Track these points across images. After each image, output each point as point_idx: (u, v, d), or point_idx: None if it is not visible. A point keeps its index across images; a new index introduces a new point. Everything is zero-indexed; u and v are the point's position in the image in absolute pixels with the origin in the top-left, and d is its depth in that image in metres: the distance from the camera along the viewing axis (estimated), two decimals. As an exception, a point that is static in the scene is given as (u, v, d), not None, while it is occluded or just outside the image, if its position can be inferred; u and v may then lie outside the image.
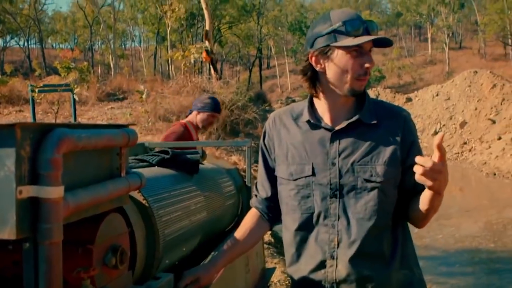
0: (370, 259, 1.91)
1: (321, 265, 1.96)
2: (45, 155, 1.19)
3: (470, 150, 20.44)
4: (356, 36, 1.85)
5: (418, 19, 71.10)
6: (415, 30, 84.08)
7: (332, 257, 1.93)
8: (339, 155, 1.93)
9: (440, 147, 1.63)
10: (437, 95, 24.74)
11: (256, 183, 2.26)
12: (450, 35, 65.99)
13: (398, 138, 1.91)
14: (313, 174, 1.96)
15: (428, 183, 1.66)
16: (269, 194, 2.15)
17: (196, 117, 4.54)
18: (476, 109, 22.03)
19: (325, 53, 1.90)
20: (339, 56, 1.89)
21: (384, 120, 1.94)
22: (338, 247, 1.92)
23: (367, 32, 1.86)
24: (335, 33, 1.87)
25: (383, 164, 1.88)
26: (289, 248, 2.08)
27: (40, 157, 1.19)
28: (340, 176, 1.92)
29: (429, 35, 70.94)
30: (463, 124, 21.91)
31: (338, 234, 1.92)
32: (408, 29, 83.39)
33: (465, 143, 21.04)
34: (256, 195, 2.24)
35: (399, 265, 1.94)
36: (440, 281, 6.12)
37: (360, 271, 1.90)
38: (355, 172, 1.91)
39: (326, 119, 2.00)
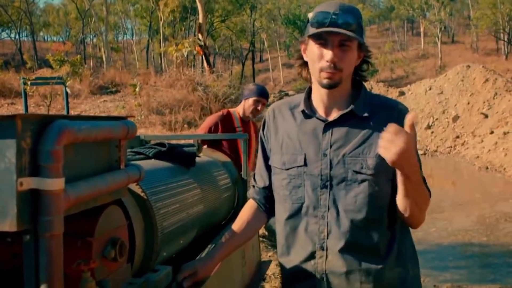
0: (361, 253, 1.91)
1: (311, 256, 1.96)
2: (45, 147, 1.18)
3: (462, 144, 20.51)
4: (318, 28, 1.87)
5: (411, 13, 71.17)
6: (407, 24, 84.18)
7: (322, 248, 1.93)
8: (331, 146, 1.93)
9: (408, 125, 1.69)
10: (430, 89, 24.79)
11: (254, 174, 2.26)
12: (443, 29, 66.08)
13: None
14: (305, 164, 1.96)
15: (384, 153, 1.69)
16: (267, 183, 2.15)
17: (244, 106, 4.60)
18: (468, 103, 22.10)
19: (306, 42, 1.96)
20: (310, 46, 1.93)
21: (379, 113, 1.94)
22: (327, 238, 1.92)
23: (334, 25, 1.84)
24: (308, 23, 1.92)
25: (374, 157, 1.87)
26: (280, 238, 2.09)
27: (40, 149, 1.18)
28: (331, 168, 1.92)
29: (421, 29, 71.03)
30: (455, 118, 21.98)
31: (327, 226, 1.92)
32: (401, 23, 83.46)
33: (457, 137, 21.11)
34: (253, 186, 2.24)
35: (394, 262, 1.93)
36: (434, 274, 6.14)
37: (350, 264, 1.90)
38: (345, 164, 1.91)
39: (321, 110, 2.01)
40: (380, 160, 1.83)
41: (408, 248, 2.01)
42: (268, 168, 2.15)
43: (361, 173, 1.89)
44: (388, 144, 1.66)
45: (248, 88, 4.71)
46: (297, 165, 1.98)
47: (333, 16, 1.84)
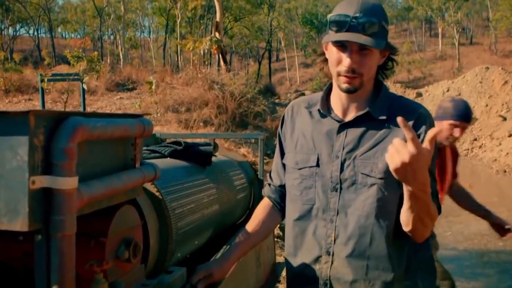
0: (368, 261, 1.84)
1: (317, 260, 1.92)
2: (59, 144, 1.14)
3: (480, 147, 20.32)
4: (337, 32, 1.79)
5: (429, 14, 70.72)
6: (425, 24, 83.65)
7: (328, 253, 1.89)
8: (343, 148, 1.88)
9: (428, 139, 1.56)
10: (447, 90, 24.61)
11: (271, 171, 2.22)
12: (461, 30, 65.59)
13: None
14: (317, 165, 1.91)
15: (388, 160, 1.59)
16: (283, 181, 2.11)
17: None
18: (487, 105, 21.90)
19: (326, 42, 1.89)
20: (329, 48, 1.87)
21: (397, 115, 1.86)
22: (334, 243, 1.87)
23: (354, 29, 1.76)
24: (328, 25, 1.84)
25: (385, 160, 1.73)
26: (288, 239, 2.05)
27: (54, 146, 1.15)
28: (342, 170, 1.87)
29: (439, 30, 70.54)
30: (473, 120, 21.80)
31: (335, 230, 1.87)
32: (418, 24, 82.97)
33: (475, 139, 20.92)
34: (269, 184, 2.20)
35: (403, 275, 1.87)
36: (450, 279, 6.06)
37: (355, 272, 1.85)
38: (355, 167, 1.85)
39: (338, 110, 1.95)
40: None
41: (421, 262, 1.94)
42: (285, 166, 2.10)
43: (370, 176, 1.83)
44: (394, 151, 1.57)
45: (444, 106, 3.57)
46: (309, 165, 1.94)
47: (353, 20, 1.76)
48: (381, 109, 1.87)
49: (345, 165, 1.86)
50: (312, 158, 1.94)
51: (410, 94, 26.49)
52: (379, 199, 1.81)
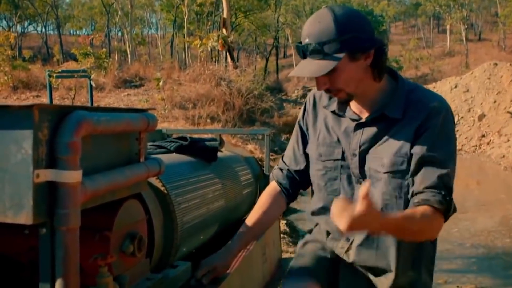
0: (377, 251, 1.89)
1: (336, 240, 1.99)
2: (63, 138, 1.15)
3: (488, 143, 20.21)
4: (302, 59, 1.83)
5: (437, 10, 70.38)
6: (433, 21, 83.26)
7: (348, 240, 1.95)
8: (360, 146, 1.90)
9: (363, 197, 1.51)
10: (455, 87, 24.46)
11: (283, 156, 2.22)
12: (469, 26, 65.22)
13: (414, 129, 1.81)
14: (343, 158, 1.94)
15: (337, 224, 1.55)
16: (302, 167, 2.12)
17: None
18: (495, 101, 21.76)
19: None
20: None
21: (410, 112, 1.85)
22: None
23: (307, 55, 1.79)
24: None
25: (392, 155, 1.82)
26: (310, 222, 2.13)
27: (58, 140, 1.15)
28: (360, 166, 1.90)
29: (447, 26, 70.18)
30: (481, 116, 21.66)
31: None
32: (426, 20, 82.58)
33: (483, 136, 20.80)
34: (281, 169, 2.19)
35: (409, 265, 1.89)
36: (456, 276, 6.05)
37: (365, 260, 1.91)
38: (368, 162, 1.88)
39: (354, 108, 1.95)
40: (396, 157, 1.80)
41: (427, 255, 1.94)
42: (306, 153, 2.11)
43: (378, 171, 1.86)
44: (337, 212, 1.54)
45: None
46: (334, 158, 1.97)
47: (304, 47, 1.79)
48: (397, 108, 1.86)
49: (362, 162, 1.90)
50: (337, 151, 1.96)
51: (418, 91, 26.40)
52: (385, 193, 1.84)
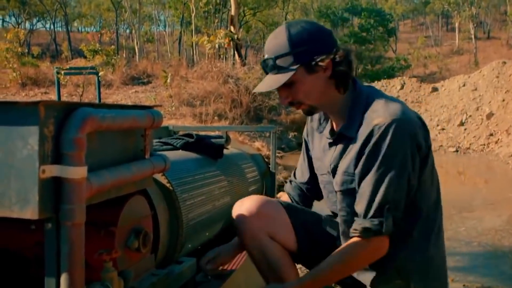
0: None
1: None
2: (69, 134, 1.16)
3: (496, 142, 20.12)
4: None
5: (446, 8, 70.03)
6: (442, 19, 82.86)
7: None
8: (330, 164, 1.96)
9: None
10: (464, 85, 24.37)
11: (295, 169, 2.29)
12: (477, 25, 64.89)
13: (358, 148, 1.82)
14: (329, 173, 1.99)
15: None
16: (306, 179, 2.20)
17: None
18: (503, 100, 21.66)
19: None
20: None
21: (361, 129, 1.84)
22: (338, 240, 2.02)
23: (268, 70, 1.85)
24: None
25: (341, 174, 1.88)
26: None
27: (63, 136, 1.16)
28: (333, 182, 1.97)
29: (456, 25, 69.85)
30: (490, 115, 21.57)
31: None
32: (435, 18, 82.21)
33: (491, 134, 20.72)
34: (290, 181, 2.29)
35: (393, 275, 1.90)
36: (463, 274, 6.04)
37: None
38: (334, 180, 1.95)
39: (333, 123, 2.00)
40: (345, 176, 1.86)
41: (418, 264, 1.91)
42: (310, 166, 2.19)
43: (335, 189, 1.94)
44: None
45: None
46: (324, 172, 2.03)
47: (263, 63, 1.86)
48: (352, 126, 1.87)
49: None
50: (324, 166, 2.03)
51: (426, 89, 26.27)
52: (341, 209, 1.93)
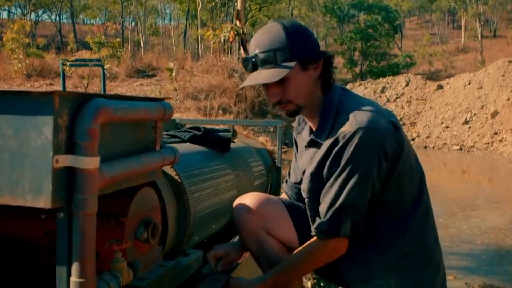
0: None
1: None
2: (82, 125, 1.17)
3: (500, 141, 20.08)
4: (249, 72, 1.86)
5: (452, 5, 69.76)
6: (448, 16, 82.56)
7: None
8: (302, 167, 1.98)
9: None
10: (469, 83, 24.30)
11: (289, 169, 2.29)
12: (484, 23, 64.64)
13: (323, 153, 1.83)
14: None
15: None
16: (298, 179, 2.16)
17: None
18: (509, 99, 21.59)
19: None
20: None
21: (330, 135, 1.84)
22: None
23: (257, 67, 1.81)
24: None
25: (308, 182, 1.90)
26: None
27: (77, 127, 1.17)
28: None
29: (462, 23, 69.59)
30: (494, 114, 21.51)
31: None
32: (441, 15, 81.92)
33: (496, 133, 20.67)
34: (286, 181, 2.28)
35: (370, 275, 1.90)
36: (466, 272, 6.05)
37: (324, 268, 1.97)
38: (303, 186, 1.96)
39: (311, 125, 2.01)
40: (313, 183, 1.87)
41: (394, 263, 1.90)
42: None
43: (303, 197, 1.95)
44: None
45: None
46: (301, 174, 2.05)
47: (253, 60, 1.81)
48: (323, 133, 1.87)
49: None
50: (300, 168, 2.05)
51: (431, 87, 26.20)
52: (310, 217, 1.93)
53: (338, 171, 1.77)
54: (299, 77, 1.82)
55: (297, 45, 1.80)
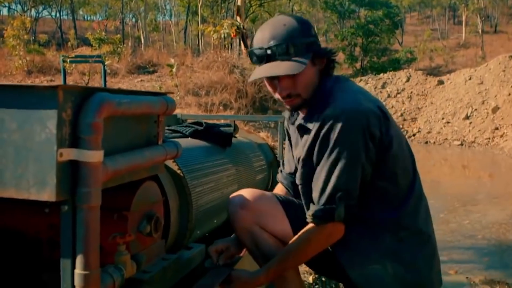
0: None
1: None
2: (86, 119, 1.18)
3: (501, 136, 20.09)
4: (259, 65, 1.85)
5: (453, 1, 69.67)
6: (449, 12, 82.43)
7: None
8: (297, 156, 1.98)
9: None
10: (470, 79, 24.28)
11: (283, 159, 2.30)
12: (485, 18, 64.52)
13: (311, 139, 1.85)
14: None
15: None
16: (293, 169, 2.18)
17: None
18: (509, 94, 21.59)
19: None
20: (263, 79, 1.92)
21: (318, 119, 1.86)
22: None
23: (270, 58, 1.81)
24: (250, 57, 1.91)
25: (300, 168, 1.92)
26: None
27: (81, 121, 1.18)
28: None
29: (463, 18, 69.47)
30: (495, 109, 21.51)
31: None
32: (442, 11, 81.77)
33: (496, 128, 20.67)
34: (281, 171, 2.28)
35: (366, 259, 1.92)
36: (467, 267, 6.06)
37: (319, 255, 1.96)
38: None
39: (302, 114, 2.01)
40: (304, 169, 1.89)
41: (388, 249, 1.92)
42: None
43: (297, 183, 1.98)
44: None
45: None
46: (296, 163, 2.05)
47: (267, 50, 1.81)
48: (312, 118, 1.88)
49: None
50: (294, 157, 2.06)
51: (431, 82, 26.18)
52: (305, 204, 1.94)
53: (326, 155, 1.79)
54: (309, 71, 1.85)
55: (310, 40, 1.83)
